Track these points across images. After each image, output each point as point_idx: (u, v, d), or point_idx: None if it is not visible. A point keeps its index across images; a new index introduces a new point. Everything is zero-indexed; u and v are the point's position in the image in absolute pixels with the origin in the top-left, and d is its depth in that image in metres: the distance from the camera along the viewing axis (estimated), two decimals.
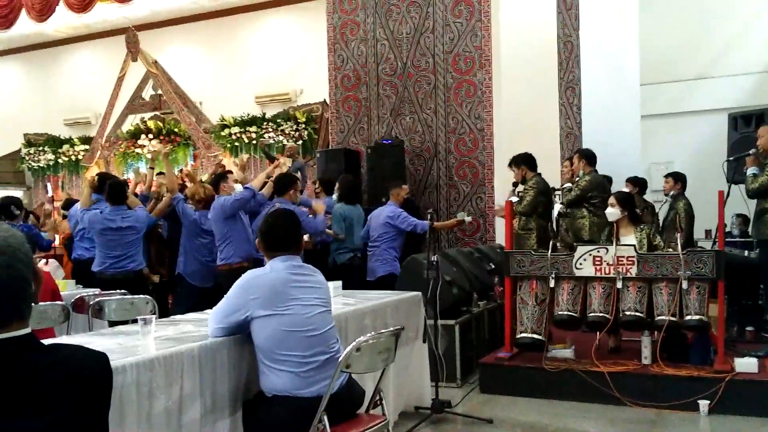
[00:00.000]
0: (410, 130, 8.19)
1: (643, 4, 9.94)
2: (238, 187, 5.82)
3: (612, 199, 5.35)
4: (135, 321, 2.91)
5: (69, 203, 7.90)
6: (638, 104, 9.81)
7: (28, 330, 1.37)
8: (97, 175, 6.91)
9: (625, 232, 5.26)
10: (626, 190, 6.58)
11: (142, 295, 4.12)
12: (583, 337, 5.30)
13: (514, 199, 6.08)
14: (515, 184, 6.17)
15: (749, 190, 5.12)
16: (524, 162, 6.10)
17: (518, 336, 5.07)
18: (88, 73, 14.33)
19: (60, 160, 13.55)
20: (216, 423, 2.66)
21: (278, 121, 11.34)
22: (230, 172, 6.58)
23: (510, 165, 6.21)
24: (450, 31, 8.01)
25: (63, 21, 12.73)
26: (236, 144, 11.53)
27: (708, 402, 4.37)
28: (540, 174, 6.15)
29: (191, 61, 13.38)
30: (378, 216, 6.40)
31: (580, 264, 4.96)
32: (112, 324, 3.79)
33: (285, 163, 7.38)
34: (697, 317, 4.60)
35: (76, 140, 13.52)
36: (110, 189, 5.86)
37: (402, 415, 4.26)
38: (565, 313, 4.93)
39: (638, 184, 7.60)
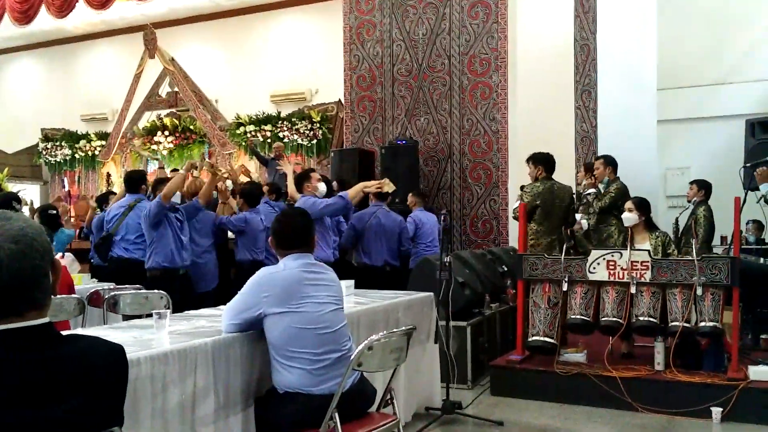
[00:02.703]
0: (425, 131, 8.19)
1: (661, 9, 9.88)
2: (322, 187, 5.70)
3: (630, 204, 5.33)
4: (149, 315, 2.93)
5: (103, 198, 7.90)
6: (655, 109, 9.75)
7: (46, 319, 1.38)
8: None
9: (640, 239, 5.24)
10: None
11: (156, 290, 4.15)
12: (596, 342, 5.28)
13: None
14: (523, 188, 6.14)
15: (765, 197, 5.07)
16: (542, 162, 6.03)
17: (530, 339, 5.05)
18: (106, 69, 14.45)
19: (77, 155, 13.67)
20: (228, 418, 2.67)
21: (293, 120, 11.39)
22: (313, 170, 6.41)
23: (528, 161, 6.10)
24: (466, 33, 8.01)
25: (82, 17, 12.86)
26: (244, 143, 11.59)
27: (721, 409, 4.33)
28: (552, 178, 6.08)
29: (208, 59, 13.46)
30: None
31: (594, 268, 4.93)
32: (127, 318, 3.82)
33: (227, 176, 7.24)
34: (711, 324, 4.56)
35: (92, 135, 13.63)
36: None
37: (413, 416, 4.25)
38: (578, 317, 4.91)
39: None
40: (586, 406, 4.70)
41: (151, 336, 2.60)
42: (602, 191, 6.16)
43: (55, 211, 6.52)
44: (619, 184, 6.05)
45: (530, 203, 5.85)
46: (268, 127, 11.53)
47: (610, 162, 6.23)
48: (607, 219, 6.01)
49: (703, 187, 6.95)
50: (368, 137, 8.53)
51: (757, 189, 5.44)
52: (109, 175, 13.12)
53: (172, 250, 5.33)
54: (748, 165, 6.16)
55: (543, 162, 6.02)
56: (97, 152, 13.47)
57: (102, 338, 1.55)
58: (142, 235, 5.61)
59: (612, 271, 4.88)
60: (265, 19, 13.28)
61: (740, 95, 12.32)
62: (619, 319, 4.80)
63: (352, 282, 4.23)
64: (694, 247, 4.88)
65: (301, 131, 11.29)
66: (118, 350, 1.51)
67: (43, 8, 11.90)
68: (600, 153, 9.05)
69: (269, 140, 11.21)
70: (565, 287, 4.98)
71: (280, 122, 11.51)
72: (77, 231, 8.69)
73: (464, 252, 6.59)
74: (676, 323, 4.64)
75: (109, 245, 5.84)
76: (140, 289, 4.35)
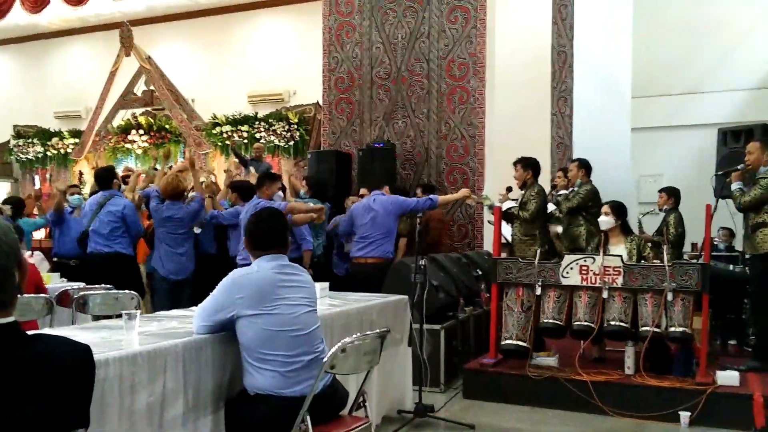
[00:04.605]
0: (402, 134, 8.21)
1: (636, 18, 10.02)
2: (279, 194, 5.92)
3: (606, 208, 5.38)
4: (119, 316, 2.89)
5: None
6: (629, 117, 9.87)
7: (10, 319, 1.36)
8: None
9: (615, 242, 5.30)
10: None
11: (126, 290, 4.10)
12: (568, 346, 5.32)
13: (505, 204, 6.09)
14: (509, 189, 6.17)
15: (738, 204, 5.16)
16: (532, 167, 6.05)
17: (503, 343, 5.08)
18: (81, 66, 14.27)
19: (49, 153, 13.47)
20: (198, 420, 2.64)
21: (270, 121, 11.33)
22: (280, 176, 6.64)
23: (516, 164, 6.10)
24: (445, 37, 8.04)
25: (57, 13, 12.68)
26: (227, 142, 11.51)
27: (689, 414, 4.40)
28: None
29: (185, 58, 13.35)
30: None
31: (567, 273, 4.98)
32: (97, 319, 3.77)
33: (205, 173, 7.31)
34: (680, 329, 4.63)
35: (65, 133, 13.45)
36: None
37: (384, 419, 4.25)
38: (551, 321, 4.95)
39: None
40: (557, 410, 4.74)
41: (121, 337, 2.57)
42: (572, 192, 6.25)
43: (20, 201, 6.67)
44: (590, 186, 6.13)
45: (581, 203, 5.98)
46: (245, 127, 11.45)
47: (584, 165, 6.31)
48: (576, 220, 6.08)
49: (672, 195, 7.06)
50: (346, 139, 8.53)
51: (729, 197, 5.53)
52: (81, 173, 12.95)
53: None
54: (719, 173, 6.26)
55: (534, 167, 6.05)
56: (69, 150, 13.28)
57: (68, 338, 1.52)
58: (115, 230, 5.83)
59: (585, 276, 4.93)
60: (244, 19, 13.22)
61: (712, 104, 12.54)
62: (591, 324, 4.85)
63: (326, 284, 4.22)
64: (665, 253, 4.94)
65: (278, 132, 11.23)
66: (84, 350, 1.49)
67: (17, 3, 11.71)
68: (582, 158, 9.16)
69: (245, 141, 11.14)
70: (538, 291, 5.02)
71: (257, 123, 11.44)
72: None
73: (439, 255, 6.60)
74: (647, 328, 4.70)
75: (86, 242, 5.95)
76: (110, 289, 4.30)
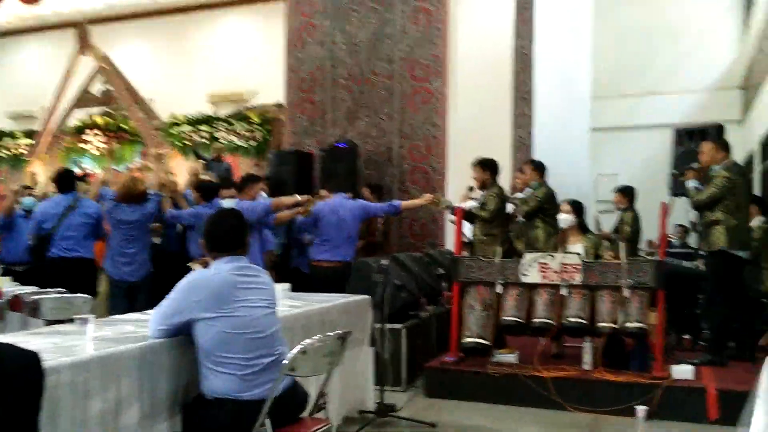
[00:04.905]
0: (365, 134, 8.20)
1: (596, 21, 10.18)
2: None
3: (566, 206, 5.46)
4: (72, 321, 2.83)
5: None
6: (588, 117, 10.03)
7: None
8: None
9: (573, 240, 5.38)
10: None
11: (80, 294, 4.01)
12: (528, 343, 5.39)
13: (467, 204, 6.13)
14: (471, 188, 6.21)
15: (694, 202, 5.28)
16: (490, 167, 6.11)
17: (464, 341, 5.12)
18: (36, 65, 13.96)
19: (1, 154, 13.14)
20: (154, 426, 2.60)
21: (231, 121, 11.23)
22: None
23: (475, 165, 6.13)
24: (408, 38, 8.06)
25: (12, 11, 12.37)
26: (187, 143, 11.37)
27: (645, 408, 4.46)
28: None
29: (144, 57, 13.15)
30: None
31: (527, 271, 5.04)
32: (49, 323, 3.69)
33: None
34: (637, 325, 4.72)
35: (19, 134, 13.13)
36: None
37: (346, 419, 4.25)
38: (511, 318, 5.01)
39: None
40: (517, 406, 4.79)
41: (74, 342, 2.51)
42: (529, 195, 6.33)
43: None
44: (546, 188, 6.22)
45: (538, 206, 6.03)
46: (205, 127, 11.34)
47: (538, 166, 6.41)
48: (533, 222, 6.17)
49: (628, 194, 7.21)
50: (308, 140, 8.49)
51: (684, 195, 5.67)
52: (35, 174, 12.65)
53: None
54: (674, 172, 6.40)
55: (492, 168, 6.10)
56: (23, 151, 12.97)
57: (15, 345, 1.49)
58: (88, 233, 5.83)
59: (544, 274, 5.00)
60: (205, 18, 13.08)
61: (668, 105, 12.83)
62: (550, 321, 4.92)
63: (288, 285, 4.21)
64: (621, 250, 5.04)
65: (239, 132, 11.15)
66: (31, 357, 1.47)
67: None
68: (536, 159, 9.27)
69: (206, 141, 11.03)
70: (499, 289, 5.07)
71: (217, 123, 11.33)
72: None
73: (402, 255, 6.62)
74: (604, 324, 4.79)
75: (46, 245, 5.76)
76: (64, 293, 4.19)
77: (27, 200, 6.71)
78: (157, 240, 6.30)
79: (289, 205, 5.87)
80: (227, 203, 5.63)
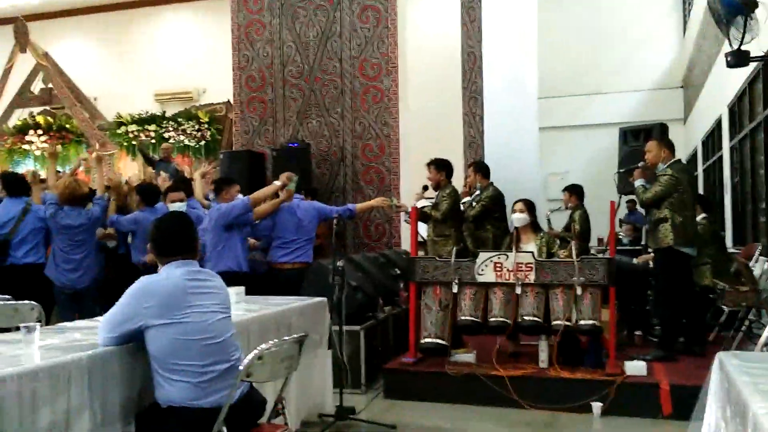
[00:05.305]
0: (317, 133, 8.13)
1: (542, 22, 10.35)
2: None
3: (521, 205, 5.50)
4: (18, 329, 2.69)
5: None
6: (536, 116, 10.17)
7: None
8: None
9: (526, 240, 5.42)
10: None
11: (26, 301, 3.84)
12: (485, 342, 5.41)
13: (421, 203, 6.13)
14: (425, 188, 6.22)
15: (641, 200, 5.40)
16: (445, 168, 6.11)
17: (422, 341, 5.11)
18: None
19: None
20: None
21: (179, 120, 10.99)
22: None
23: (429, 165, 6.13)
24: (357, 37, 8.02)
25: None
26: (133, 143, 11.08)
27: (601, 404, 4.55)
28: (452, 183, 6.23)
29: (86, 54, 12.78)
30: None
31: (482, 270, 5.06)
32: None
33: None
34: (590, 322, 4.78)
35: None
36: None
37: (305, 423, 4.18)
38: (468, 318, 5.02)
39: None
40: (476, 406, 4.80)
41: (20, 351, 2.39)
42: (476, 198, 6.38)
43: None
44: (492, 191, 6.28)
45: (485, 210, 6.17)
46: (153, 127, 11.06)
47: (480, 168, 6.46)
48: (482, 225, 6.22)
49: (576, 192, 7.32)
50: (259, 139, 8.36)
51: (632, 193, 5.78)
52: None
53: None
54: (621, 170, 6.53)
55: (447, 168, 6.12)
56: None
57: None
58: (42, 238, 5.75)
59: (499, 273, 5.02)
60: (149, 14, 12.79)
61: (614, 104, 13.14)
62: (506, 319, 4.94)
63: (242, 288, 4.11)
64: (573, 249, 5.10)
65: (188, 132, 10.91)
66: None
67: None
68: (487, 158, 9.37)
69: (153, 140, 10.76)
70: (455, 289, 5.07)
71: (165, 122, 11.07)
72: None
73: (357, 255, 6.58)
74: (559, 322, 4.83)
75: (3, 253, 5.60)
76: (8, 300, 4.01)
77: None
78: (111, 244, 6.09)
79: (269, 194, 5.72)
80: (175, 207, 5.41)
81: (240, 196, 5.82)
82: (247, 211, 5.49)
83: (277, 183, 5.76)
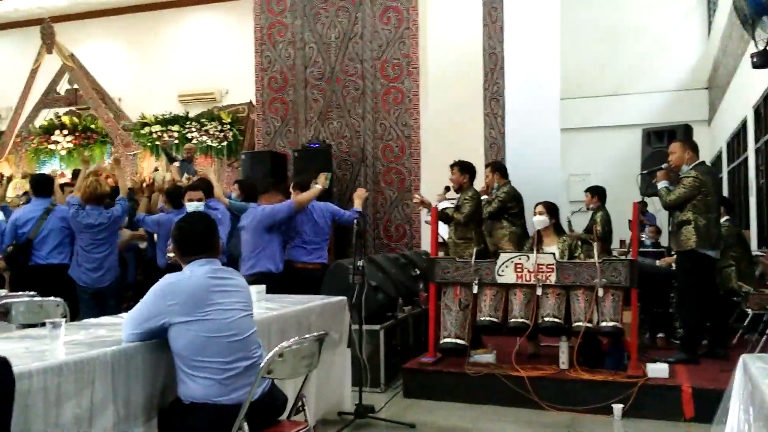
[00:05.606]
0: (338, 134, 8.16)
1: (563, 22, 10.28)
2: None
3: (541, 208, 5.49)
4: (44, 325, 2.75)
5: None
6: (558, 117, 10.11)
7: None
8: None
9: (548, 242, 5.41)
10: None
11: (52, 297, 3.91)
12: (504, 343, 5.40)
13: (443, 204, 6.13)
14: (447, 188, 6.21)
15: (664, 202, 5.33)
16: (468, 171, 6.08)
17: (441, 341, 5.11)
18: (0, 64, 13.62)
19: None
20: (130, 431, 2.54)
21: (202, 121, 11.09)
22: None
23: (453, 166, 6.11)
24: (378, 38, 8.04)
25: None
26: (157, 143, 11.20)
27: (621, 406, 4.52)
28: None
29: (111, 55, 12.95)
30: None
31: (502, 271, 5.05)
32: (21, 328, 3.58)
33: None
34: (611, 324, 4.76)
35: None
36: None
37: (325, 421, 4.21)
38: (487, 318, 5.01)
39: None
40: (495, 406, 4.79)
41: (45, 347, 2.44)
42: (492, 196, 6.37)
43: None
44: (509, 188, 6.25)
45: (501, 207, 6.20)
46: (176, 127, 11.18)
47: (498, 168, 6.44)
48: (499, 222, 6.20)
49: (597, 194, 7.27)
50: (280, 140, 8.41)
51: (654, 195, 5.73)
52: (1, 176, 12.36)
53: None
54: (644, 172, 6.48)
55: (469, 171, 6.10)
56: None
57: None
58: (65, 239, 5.78)
59: (519, 274, 5.01)
60: (174, 16, 12.92)
61: (637, 105, 13.00)
62: (526, 320, 4.93)
63: (263, 287, 4.14)
64: (595, 250, 5.07)
65: (211, 132, 11.01)
66: (1, 362, 1.40)
67: None
68: (508, 159, 9.34)
69: (176, 141, 10.88)
70: (475, 290, 5.07)
71: (188, 123, 11.18)
72: None
73: (378, 256, 6.60)
74: (579, 323, 4.81)
75: (27, 252, 5.70)
76: (35, 296, 4.08)
77: None
78: (142, 244, 6.17)
79: (312, 199, 5.74)
80: (192, 207, 5.46)
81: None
82: (292, 215, 5.57)
83: (319, 186, 5.82)
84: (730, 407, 2.50)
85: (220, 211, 5.86)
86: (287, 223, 5.61)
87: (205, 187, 5.91)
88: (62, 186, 6.83)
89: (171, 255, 5.54)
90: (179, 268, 2.87)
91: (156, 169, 10.40)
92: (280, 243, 5.62)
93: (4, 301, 3.76)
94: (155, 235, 6.17)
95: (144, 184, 6.76)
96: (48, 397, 2.20)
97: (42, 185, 6.10)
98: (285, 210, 5.50)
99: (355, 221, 4.86)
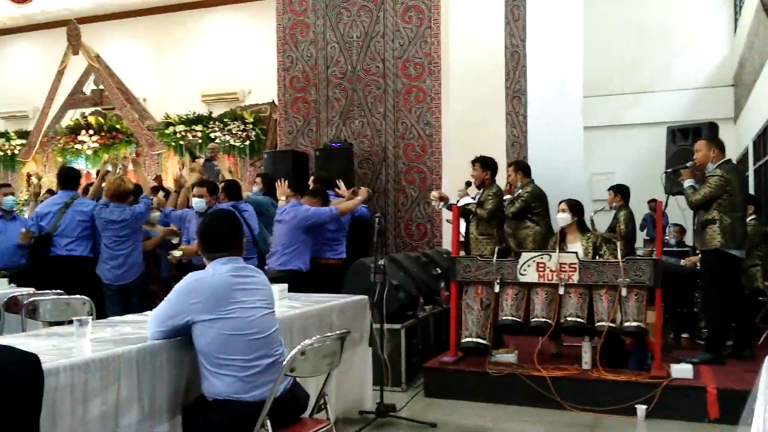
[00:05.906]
0: (359, 133, 8.18)
1: (587, 20, 10.20)
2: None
3: (564, 205, 5.46)
4: (71, 322, 2.79)
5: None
6: (581, 116, 10.03)
7: None
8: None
9: (572, 239, 5.37)
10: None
11: (78, 295, 3.97)
12: (526, 342, 5.37)
13: (464, 201, 6.12)
14: (468, 183, 6.21)
15: (690, 201, 5.27)
16: (490, 167, 6.09)
17: (463, 340, 5.10)
18: (27, 65, 13.88)
19: None
20: (154, 428, 2.58)
21: (225, 120, 11.19)
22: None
23: (474, 162, 6.11)
24: (400, 37, 8.04)
25: (2, 11, 12.28)
26: (181, 142, 11.32)
27: (645, 407, 4.48)
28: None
29: (135, 56, 13.09)
30: None
31: (524, 270, 5.03)
32: (48, 325, 3.65)
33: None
34: (635, 324, 4.71)
35: (12, 134, 13.04)
36: None
37: (346, 420, 4.23)
38: (509, 318, 4.99)
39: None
40: (517, 406, 4.78)
41: (72, 344, 2.48)
42: (516, 195, 6.34)
43: None
44: (532, 187, 6.22)
45: (524, 206, 6.16)
46: (199, 127, 11.29)
47: (521, 167, 6.41)
48: (523, 222, 6.17)
49: (620, 192, 7.20)
50: (302, 139, 8.45)
51: (679, 194, 5.66)
52: (29, 175, 12.58)
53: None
54: (669, 170, 6.40)
55: (492, 167, 6.12)
56: (17, 151, 12.88)
57: (15, 347, 1.46)
58: (84, 231, 5.83)
59: (541, 273, 4.99)
60: (197, 16, 13.03)
61: (661, 103, 12.85)
62: (548, 320, 4.90)
63: (285, 285, 4.17)
64: (618, 249, 5.03)
65: (234, 132, 11.10)
66: (31, 359, 1.43)
67: None
68: (530, 158, 9.28)
69: (200, 140, 10.98)
70: (497, 289, 5.05)
71: (211, 122, 11.28)
72: None
73: (399, 255, 6.61)
74: (602, 323, 4.77)
75: (48, 245, 5.77)
76: (61, 294, 4.15)
77: (8, 200, 6.14)
78: (175, 240, 6.22)
79: (353, 208, 6.00)
80: (194, 202, 5.69)
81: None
82: (332, 221, 5.74)
83: (360, 198, 6.07)
84: (756, 408, 2.46)
85: (249, 213, 5.96)
86: (323, 226, 5.76)
87: (214, 186, 6.02)
88: (86, 188, 6.90)
89: (177, 254, 5.64)
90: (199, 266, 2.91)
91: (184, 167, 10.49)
92: (312, 243, 5.75)
93: (32, 299, 3.83)
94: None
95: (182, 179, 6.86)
96: (75, 394, 2.24)
97: (68, 178, 6.16)
98: (327, 215, 5.67)
99: (376, 220, 4.87)
